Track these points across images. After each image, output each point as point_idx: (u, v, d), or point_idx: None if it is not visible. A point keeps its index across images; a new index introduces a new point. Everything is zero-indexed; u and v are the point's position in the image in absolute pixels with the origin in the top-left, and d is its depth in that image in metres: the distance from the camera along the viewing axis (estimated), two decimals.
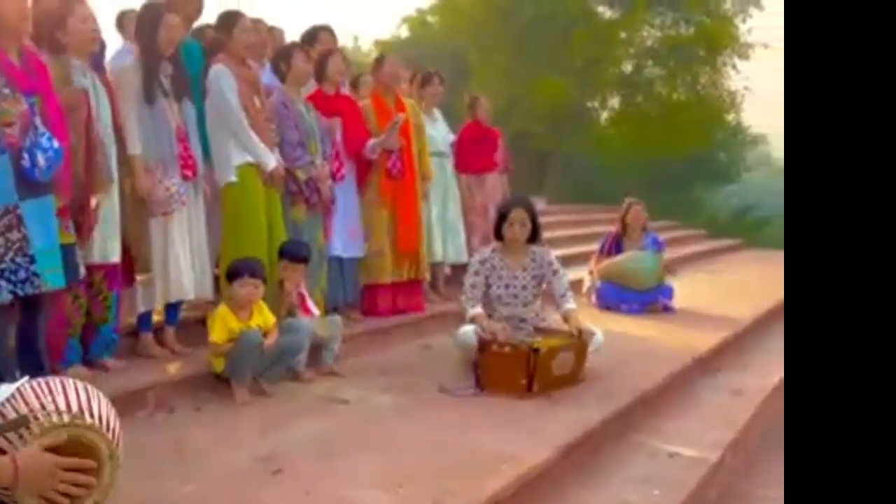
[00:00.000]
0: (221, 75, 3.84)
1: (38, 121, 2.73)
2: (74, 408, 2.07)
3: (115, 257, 3.35)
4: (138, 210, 3.49)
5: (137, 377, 3.31)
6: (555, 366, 3.61)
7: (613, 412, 3.33)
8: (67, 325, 3.22)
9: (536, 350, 3.52)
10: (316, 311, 4.01)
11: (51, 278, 2.79)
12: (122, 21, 4.68)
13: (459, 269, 5.71)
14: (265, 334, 3.49)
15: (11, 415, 2.05)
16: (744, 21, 16.88)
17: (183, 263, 3.61)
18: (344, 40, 15.34)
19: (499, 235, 4.14)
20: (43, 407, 2.04)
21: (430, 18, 18.16)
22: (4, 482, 1.80)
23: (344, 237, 4.65)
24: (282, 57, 4.30)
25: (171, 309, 3.76)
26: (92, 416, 2.10)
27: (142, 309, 3.61)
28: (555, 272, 4.12)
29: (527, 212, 4.03)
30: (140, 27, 3.60)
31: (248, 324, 3.50)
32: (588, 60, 15.30)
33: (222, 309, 3.50)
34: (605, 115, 17.55)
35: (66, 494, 1.90)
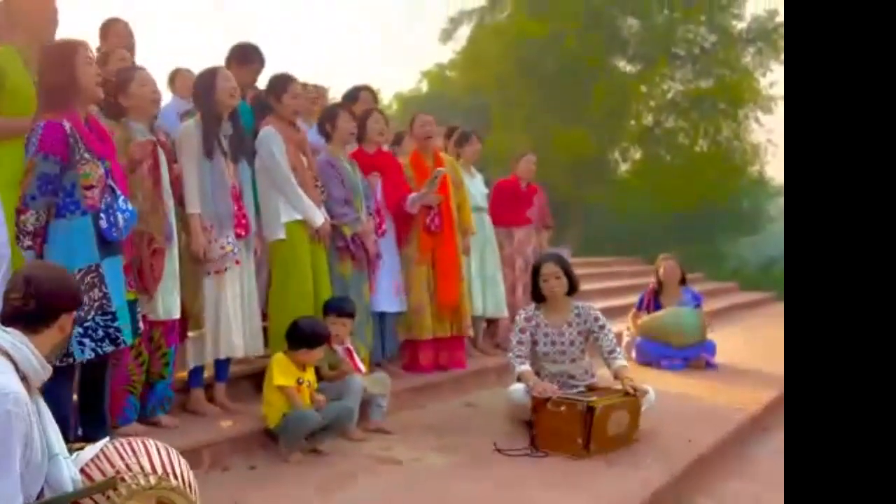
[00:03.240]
0: (271, 137, 3.94)
1: (111, 183, 2.83)
2: (159, 469, 2.08)
3: (177, 313, 3.40)
4: (193, 268, 3.54)
5: (192, 435, 3.30)
6: (610, 425, 3.56)
7: (674, 474, 3.26)
8: (128, 382, 3.24)
9: (592, 409, 3.48)
10: (363, 367, 4.01)
11: (125, 335, 2.88)
12: (173, 79, 4.84)
13: (494, 323, 5.72)
14: (313, 398, 3.52)
15: (97, 475, 2.06)
16: (764, 75, 17.10)
17: (234, 321, 3.63)
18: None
19: (538, 295, 4.12)
20: (129, 468, 2.06)
21: (449, 73, 18.54)
22: None
23: (389, 293, 4.67)
24: (327, 118, 4.40)
25: (221, 365, 3.77)
26: (176, 477, 2.11)
27: (192, 364, 3.62)
28: (601, 327, 4.08)
29: (558, 265, 4.03)
30: (197, 91, 3.69)
31: (304, 376, 3.53)
32: (609, 113, 15.50)
33: (280, 356, 3.53)
34: (626, 166, 17.68)
35: None
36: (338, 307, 3.89)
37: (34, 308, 2.01)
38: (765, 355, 6.37)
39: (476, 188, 5.55)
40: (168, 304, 3.34)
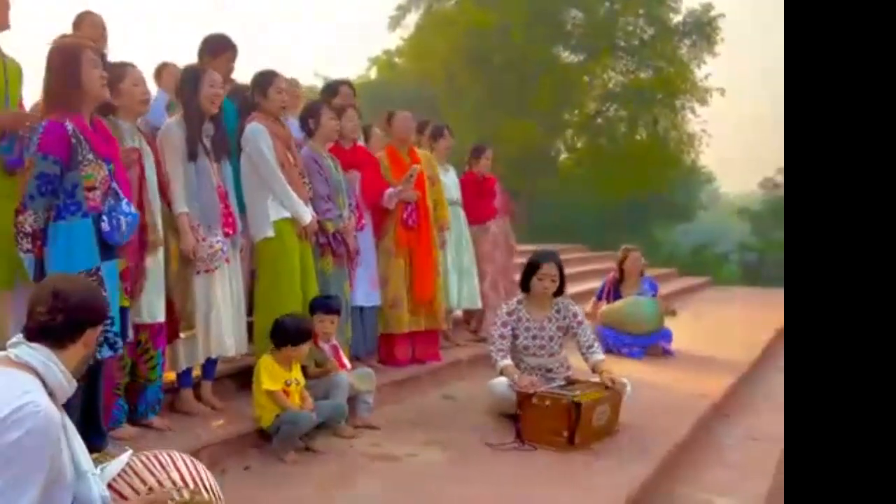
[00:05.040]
0: (258, 133, 3.88)
1: (115, 186, 2.76)
2: (190, 483, 2.07)
3: (161, 316, 3.36)
4: (184, 268, 3.48)
5: (188, 437, 3.26)
6: (594, 418, 3.70)
7: (657, 465, 3.43)
8: (115, 385, 3.19)
9: (578, 404, 3.61)
10: (348, 364, 4.03)
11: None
12: (160, 73, 4.72)
13: (474, 315, 5.81)
14: (303, 397, 3.54)
15: (126, 491, 2.04)
16: (698, 66, 17.74)
17: (224, 320, 3.61)
18: (313, 81, 15.51)
19: (525, 287, 4.22)
20: (160, 483, 2.04)
21: (397, 60, 18.46)
22: None
23: (365, 287, 4.70)
24: (311, 114, 4.35)
25: (209, 364, 3.73)
26: (206, 490, 2.10)
27: (184, 365, 3.57)
28: (579, 323, 4.22)
29: (557, 268, 4.14)
30: (182, 86, 3.62)
31: (290, 375, 3.53)
32: (554, 104, 15.78)
33: (267, 359, 3.51)
34: (570, 156, 18.06)
35: None
36: (325, 305, 3.89)
37: (61, 323, 1.95)
38: (715, 341, 6.71)
39: (451, 181, 5.61)
40: (153, 307, 3.30)
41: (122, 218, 2.75)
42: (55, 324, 1.94)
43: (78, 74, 2.74)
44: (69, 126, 2.69)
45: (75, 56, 2.75)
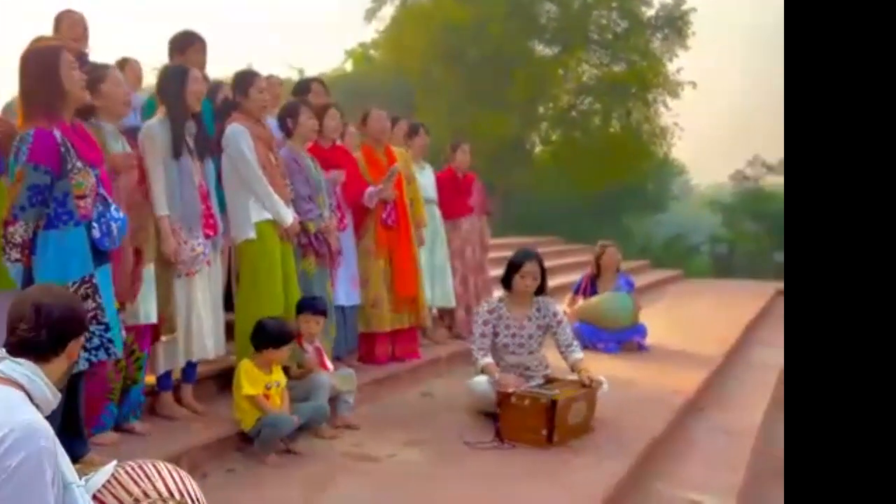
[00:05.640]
0: (239, 134, 3.86)
1: (102, 192, 2.75)
2: (176, 494, 2.08)
3: (154, 317, 3.36)
4: (164, 271, 3.47)
5: (169, 442, 3.27)
6: (571, 416, 3.77)
7: (634, 462, 3.51)
8: (107, 390, 3.19)
9: (555, 402, 3.67)
10: (331, 365, 4.05)
11: (117, 345, 2.87)
12: (122, 69, 4.65)
13: (448, 313, 5.85)
14: (284, 399, 3.55)
15: (111, 501, 2.04)
16: (671, 60, 17.93)
17: (205, 322, 3.61)
18: (289, 73, 15.39)
19: (507, 285, 4.27)
20: (146, 494, 2.04)
21: (372, 52, 18.39)
22: None
23: (346, 286, 4.71)
24: (288, 114, 4.34)
25: (188, 367, 3.72)
26: (192, 500, 2.11)
27: (164, 368, 3.57)
28: (559, 322, 4.28)
29: (539, 266, 4.19)
30: (165, 85, 3.59)
31: (270, 378, 3.54)
32: (529, 97, 15.85)
33: (247, 363, 3.52)
34: (544, 148, 18.17)
35: None
36: (312, 306, 3.91)
37: (45, 337, 1.94)
38: (688, 335, 6.82)
39: (427, 180, 5.63)
40: (147, 308, 3.30)
41: (112, 224, 2.76)
42: (39, 339, 1.94)
43: (57, 77, 2.70)
44: (57, 134, 2.66)
45: (52, 58, 2.71)
